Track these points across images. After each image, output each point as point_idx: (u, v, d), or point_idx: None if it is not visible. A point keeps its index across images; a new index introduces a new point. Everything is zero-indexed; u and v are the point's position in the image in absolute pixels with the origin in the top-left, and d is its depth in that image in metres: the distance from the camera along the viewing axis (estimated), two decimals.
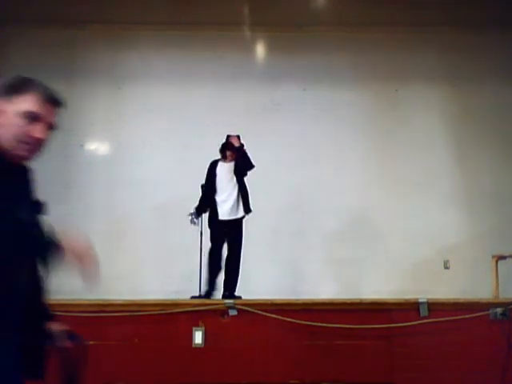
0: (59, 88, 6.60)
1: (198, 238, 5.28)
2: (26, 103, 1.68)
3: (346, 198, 6.33)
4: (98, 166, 6.57)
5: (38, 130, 1.68)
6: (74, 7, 6.48)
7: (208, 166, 5.23)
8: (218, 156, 5.26)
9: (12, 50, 6.63)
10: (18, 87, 1.72)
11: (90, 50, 6.69)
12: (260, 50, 7.05)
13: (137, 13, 6.58)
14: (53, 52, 6.58)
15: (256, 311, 4.16)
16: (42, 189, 6.83)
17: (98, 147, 6.79)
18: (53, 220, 6.32)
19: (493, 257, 4.84)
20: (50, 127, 1.73)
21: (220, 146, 5.23)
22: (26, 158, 1.73)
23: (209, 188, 5.13)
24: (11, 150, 1.67)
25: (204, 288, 5.01)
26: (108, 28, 6.64)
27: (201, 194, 5.19)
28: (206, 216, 5.18)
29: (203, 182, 5.22)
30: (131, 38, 6.65)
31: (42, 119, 1.69)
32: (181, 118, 6.55)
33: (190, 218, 5.14)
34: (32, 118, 1.68)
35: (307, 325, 4.09)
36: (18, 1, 6.48)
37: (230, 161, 5.19)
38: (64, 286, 6.07)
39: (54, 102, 1.72)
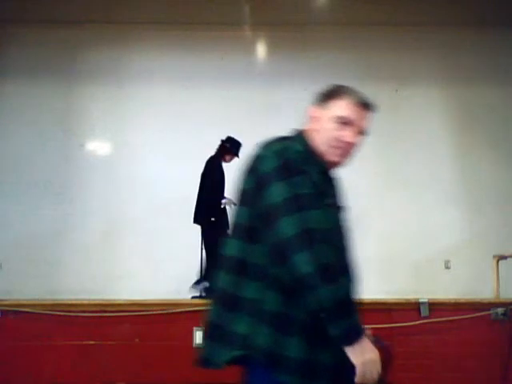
0: (58, 88, 6.62)
1: (198, 237, 5.28)
2: (339, 108, 1.72)
3: (344, 197, 6.32)
4: (97, 165, 6.56)
5: (348, 135, 1.71)
6: (74, 7, 6.48)
7: (212, 162, 5.24)
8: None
9: (12, 50, 6.63)
10: (331, 94, 1.75)
11: (90, 49, 6.69)
12: (261, 49, 7.05)
13: (137, 12, 6.57)
14: (53, 52, 6.58)
15: None
16: (42, 188, 6.86)
17: (97, 147, 6.78)
18: (53, 220, 6.35)
19: (494, 257, 4.85)
20: (361, 132, 1.75)
21: (218, 147, 5.28)
22: (337, 163, 1.75)
23: (219, 187, 5.15)
24: (324, 155, 1.70)
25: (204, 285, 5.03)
26: (108, 28, 6.63)
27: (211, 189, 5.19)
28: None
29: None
30: (131, 37, 6.64)
31: (353, 124, 1.72)
32: (181, 118, 6.54)
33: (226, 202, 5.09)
34: (344, 122, 1.71)
35: None
36: (17, 1, 6.48)
37: (227, 162, 5.27)
38: (65, 285, 6.09)
39: (365, 106, 1.76)
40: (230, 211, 5.24)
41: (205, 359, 1.71)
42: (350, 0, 6.64)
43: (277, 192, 1.55)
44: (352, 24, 6.67)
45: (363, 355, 1.50)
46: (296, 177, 1.56)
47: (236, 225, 1.70)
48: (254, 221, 1.60)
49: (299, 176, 1.56)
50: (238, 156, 5.25)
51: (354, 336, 1.50)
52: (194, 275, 5.20)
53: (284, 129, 6.51)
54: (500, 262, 4.81)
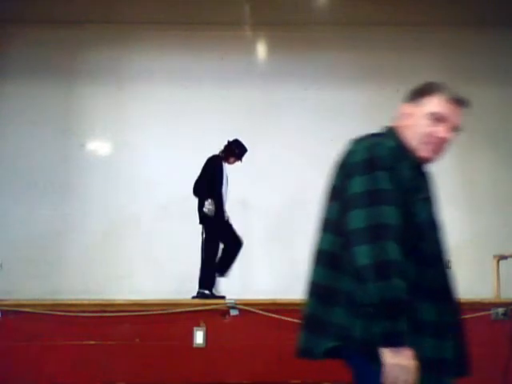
0: (59, 87, 6.62)
1: (198, 237, 5.27)
2: (432, 105, 1.74)
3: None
4: (98, 165, 6.56)
5: (442, 131, 1.73)
6: (75, 7, 6.47)
7: (212, 160, 5.24)
8: None
9: (12, 50, 6.62)
10: (423, 91, 1.77)
11: (91, 49, 6.68)
12: (261, 49, 7.05)
13: (137, 13, 6.57)
14: (53, 52, 6.57)
15: (257, 311, 4.16)
16: (42, 188, 6.85)
17: (98, 147, 6.78)
18: (53, 220, 6.36)
19: (494, 257, 4.84)
20: (454, 128, 1.77)
21: (224, 148, 5.28)
22: (429, 159, 1.79)
23: (217, 185, 5.13)
24: (416, 150, 1.73)
25: (205, 286, 5.00)
26: (108, 28, 6.63)
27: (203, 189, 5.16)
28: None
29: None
30: (132, 37, 6.64)
31: (446, 120, 1.74)
32: (181, 117, 6.55)
33: (209, 209, 5.02)
34: (437, 118, 1.73)
35: None
36: (17, 1, 6.47)
37: (230, 164, 5.29)
38: (65, 285, 6.09)
39: (459, 102, 1.76)
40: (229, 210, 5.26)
41: (303, 350, 1.71)
42: (350, 0, 6.64)
43: (356, 185, 1.60)
44: (352, 24, 6.66)
45: (394, 358, 1.49)
46: (378, 172, 1.59)
47: (326, 220, 1.77)
48: (341, 214, 1.64)
49: (382, 171, 1.59)
50: (241, 161, 5.28)
51: (390, 340, 1.49)
52: (195, 275, 5.19)
53: (284, 128, 6.50)
54: (500, 261, 4.80)
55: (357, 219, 1.55)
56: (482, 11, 6.58)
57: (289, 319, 4.11)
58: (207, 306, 4.31)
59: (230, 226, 5.24)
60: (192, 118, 6.49)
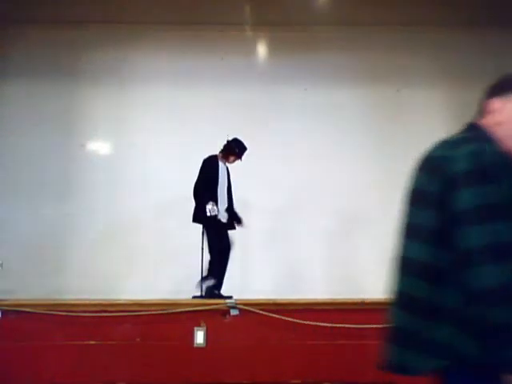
0: (60, 88, 6.61)
1: (198, 237, 5.27)
2: None
3: (346, 197, 6.32)
4: (99, 165, 6.56)
5: None
6: (75, 7, 6.47)
7: (207, 160, 5.24)
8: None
9: (12, 50, 6.62)
10: None
11: (92, 49, 6.68)
12: (261, 49, 7.04)
13: (138, 13, 6.57)
14: (54, 52, 6.57)
15: (258, 311, 4.16)
16: (42, 188, 6.85)
17: (99, 147, 6.78)
18: (53, 220, 6.35)
19: None
20: None
21: (223, 146, 5.27)
22: None
23: (210, 185, 5.12)
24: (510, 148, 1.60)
25: (210, 285, 4.99)
26: (109, 28, 6.63)
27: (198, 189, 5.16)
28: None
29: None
30: (133, 38, 6.64)
31: None
32: (182, 117, 6.55)
33: (211, 209, 5.01)
34: None
35: (309, 324, 4.09)
36: (18, 1, 6.47)
37: (230, 163, 5.28)
38: (65, 285, 6.07)
39: None
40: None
41: (399, 366, 1.63)
42: (349, 0, 6.64)
43: (466, 198, 1.49)
44: (352, 24, 6.66)
45: None
46: (490, 185, 1.49)
47: (412, 225, 1.64)
48: (442, 225, 1.54)
49: (493, 184, 1.49)
50: (241, 159, 5.28)
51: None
52: (195, 275, 5.19)
53: (284, 128, 6.46)
54: None
55: (476, 237, 1.45)
56: (482, 12, 6.57)
57: (289, 319, 4.11)
58: (207, 305, 4.30)
59: (225, 231, 5.18)
60: (192, 117, 6.49)
